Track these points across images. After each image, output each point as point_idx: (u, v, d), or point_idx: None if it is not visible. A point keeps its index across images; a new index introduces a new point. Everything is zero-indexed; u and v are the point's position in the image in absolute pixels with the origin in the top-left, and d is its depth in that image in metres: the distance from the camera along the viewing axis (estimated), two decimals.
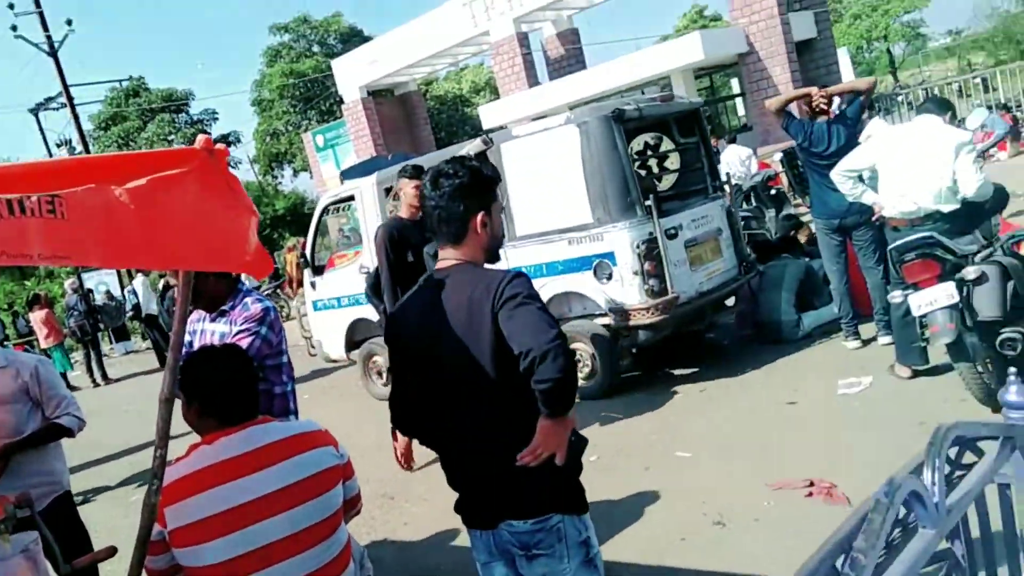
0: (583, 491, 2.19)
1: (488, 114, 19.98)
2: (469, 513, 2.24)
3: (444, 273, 2.13)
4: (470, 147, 6.36)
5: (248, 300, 3.36)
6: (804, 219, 8.29)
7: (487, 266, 2.17)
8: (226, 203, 1.84)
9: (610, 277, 5.70)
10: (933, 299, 4.08)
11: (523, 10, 18.97)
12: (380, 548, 4.25)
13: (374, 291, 5.58)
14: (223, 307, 3.32)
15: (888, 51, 42.68)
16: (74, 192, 1.62)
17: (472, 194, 2.10)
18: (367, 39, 31.13)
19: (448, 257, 2.15)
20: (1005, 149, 13.97)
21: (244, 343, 3.22)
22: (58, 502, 3.39)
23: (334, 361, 8.02)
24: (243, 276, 3.97)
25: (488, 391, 2.06)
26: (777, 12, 15.51)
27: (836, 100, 5.81)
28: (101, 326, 16.24)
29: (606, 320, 5.79)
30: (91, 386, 13.65)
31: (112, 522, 5.35)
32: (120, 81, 32.34)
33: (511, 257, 6.17)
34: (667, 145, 6.94)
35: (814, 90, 5.61)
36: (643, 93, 17.44)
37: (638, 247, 5.55)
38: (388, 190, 6.98)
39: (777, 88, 15.64)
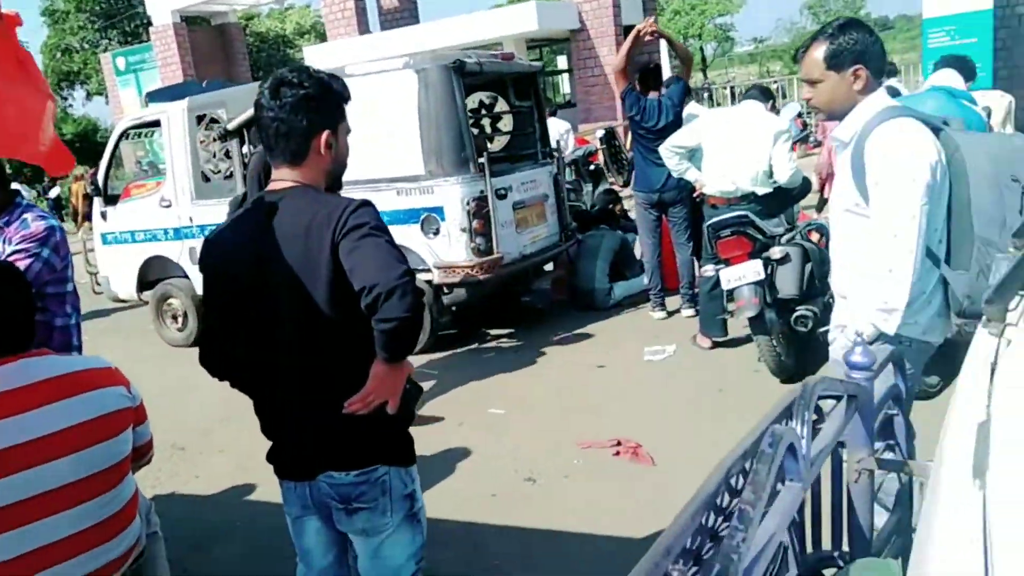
0: (412, 441, 2.06)
1: (314, 56, 18.97)
2: (284, 463, 2.04)
3: (277, 195, 1.89)
4: None
5: (28, 216, 2.89)
6: (622, 195, 8.60)
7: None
8: (15, 81, 1.51)
9: (437, 232, 5.56)
10: (742, 275, 4.33)
11: None
12: (168, 502, 3.89)
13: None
14: None
15: (701, 49, 45.49)
16: None
17: (318, 109, 1.87)
18: None
19: (284, 178, 1.91)
20: (796, 150, 15.33)
21: (21, 265, 2.78)
22: None
23: (122, 301, 7.31)
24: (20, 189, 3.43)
25: (319, 329, 1.86)
26: None
27: (666, 75, 5.96)
28: None
29: (429, 276, 5.66)
30: None
31: None
32: None
33: None
34: (502, 106, 6.89)
35: (644, 26, 5.50)
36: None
37: (468, 204, 5.45)
38: (200, 118, 6.40)
39: (603, 68, 16.11)
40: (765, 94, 4.91)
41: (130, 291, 6.98)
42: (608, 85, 15.81)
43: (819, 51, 2.31)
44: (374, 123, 5.71)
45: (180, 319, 6.73)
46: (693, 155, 5.03)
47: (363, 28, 19.07)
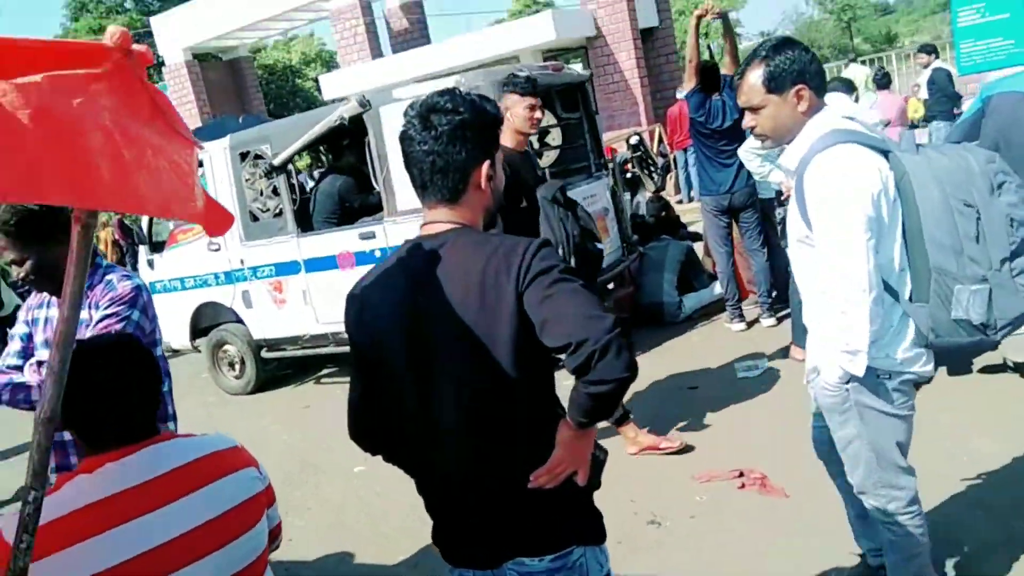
0: (601, 515, 1.79)
1: (329, 84, 18.88)
2: (460, 550, 1.75)
3: (436, 240, 1.62)
4: (343, 109, 5.72)
5: (113, 277, 2.66)
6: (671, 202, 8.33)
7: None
8: (156, 126, 1.25)
9: None
10: None
11: None
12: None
13: None
14: None
15: (708, 47, 45.29)
16: None
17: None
18: None
19: (439, 219, 1.64)
20: None
21: (114, 331, 2.54)
22: None
23: (175, 352, 7.06)
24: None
25: (497, 395, 1.59)
26: None
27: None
28: None
29: None
30: None
31: None
32: None
33: (390, 234, 5.63)
34: (548, 119, 6.63)
35: (704, 8, 5.36)
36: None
37: None
38: (244, 155, 6.19)
39: (623, 73, 15.86)
40: (848, 86, 4.62)
41: (183, 341, 6.76)
42: (629, 91, 15.59)
43: (756, 75, 2.18)
44: None
45: (237, 366, 6.50)
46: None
47: (376, 52, 18.98)
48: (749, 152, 4.67)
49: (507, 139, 4.02)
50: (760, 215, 5.68)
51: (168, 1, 29.01)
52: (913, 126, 10.30)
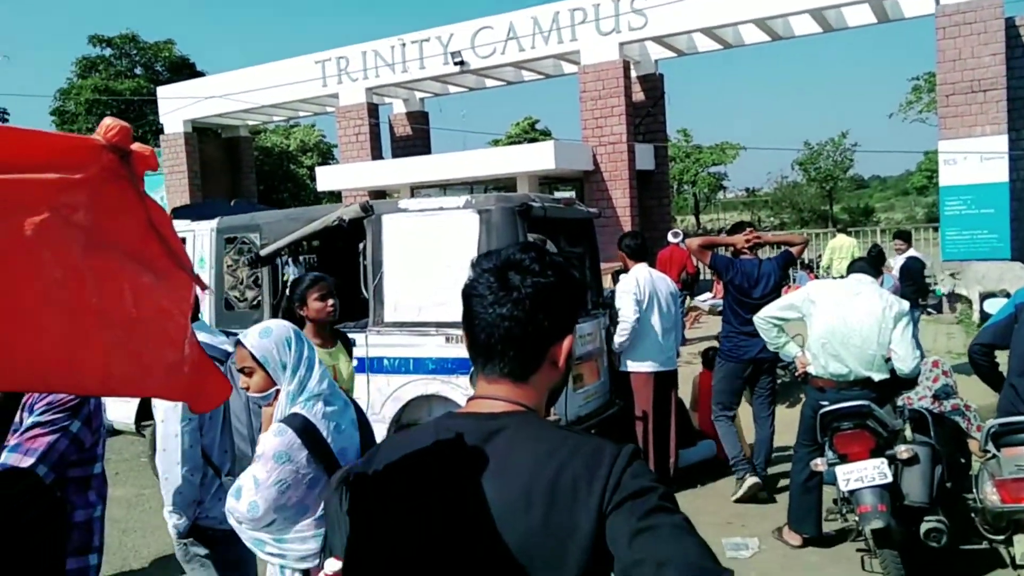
0: None
1: (325, 176, 18.90)
2: None
3: (493, 423, 1.27)
4: (344, 211, 5.50)
5: None
6: None
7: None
8: (147, 255, 0.94)
9: None
10: (863, 475, 3.73)
11: (378, 81, 18.39)
12: None
13: None
14: None
15: (694, 195, 46.69)
16: None
17: (563, 307, 1.32)
18: (198, 73, 29.10)
19: (498, 396, 1.30)
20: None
21: (40, 444, 2.14)
22: None
23: (116, 432, 6.49)
24: None
25: None
26: (625, 139, 16.05)
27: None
28: None
29: None
30: None
31: None
32: None
33: (371, 344, 5.28)
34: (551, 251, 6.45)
35: (740, 241, 5.34)
36: (486, 190, 17.30)
37: None
38: (230, 240, 5.88)
39: (615, 210, 16.04)
40: (875, 267, 4.47)
41: (128, 420, 6.21)
42: (619, 226, 15.71)
43: None
44: (425, 263, 5.22)
45: None
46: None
47: (376, 153, 19.14)
48: (766, 320, 4.43)
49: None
50: (773, 381, 5.44)
51: (177, 73, 29.36)
52: None
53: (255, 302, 5.77)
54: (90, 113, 28.99)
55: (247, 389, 2.38)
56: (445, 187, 17.57)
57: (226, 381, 1.12)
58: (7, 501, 1.27)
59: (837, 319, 4.11)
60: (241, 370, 2.38)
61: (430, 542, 1.23)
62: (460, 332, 4.74)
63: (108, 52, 31.07)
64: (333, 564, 1.88)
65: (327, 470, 2.27)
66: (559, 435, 1.26)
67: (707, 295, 13.16)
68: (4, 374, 0.75)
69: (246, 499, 2.24)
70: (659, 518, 1.13)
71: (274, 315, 5.72)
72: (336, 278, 6.08)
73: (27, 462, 2.09)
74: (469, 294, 1.32)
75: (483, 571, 1.20)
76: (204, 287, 1.05)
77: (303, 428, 2.28)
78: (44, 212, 0.79)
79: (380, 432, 4.34)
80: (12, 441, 2.15)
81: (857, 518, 3.79)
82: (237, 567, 2.99)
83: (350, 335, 5.47)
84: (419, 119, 20.90)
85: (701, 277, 14.67)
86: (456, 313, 5.05)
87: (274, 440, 2.26)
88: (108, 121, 1.00)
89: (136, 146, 1.05)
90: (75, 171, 0.90)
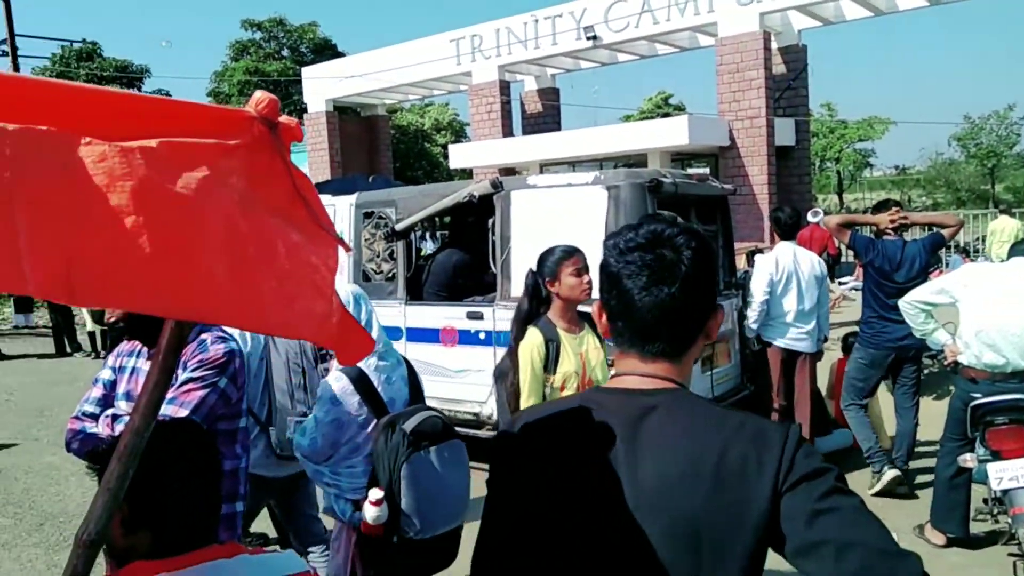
0: None
1: (457, 153, 19.30)
2: None
3: (648, 400, 1.25)
4: (475, 187, 5.59)
5: (207, 337, 2.46)
6: None
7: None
8: (295, 218, 1.00)
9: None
10: (1018, 474, 3.46)
11: (510, 59, 18.52)
12: None
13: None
14: None
15: (838, 172, 44.29)
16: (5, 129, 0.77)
17: (713, 281, 1.31)
18: (339, 54, 30.27)
19: (655, 374, 1.27)
20: None
21: (194, 397, 2.32)
22: None
23: None
24: None
25: None
26: (764, 113, 15.41)
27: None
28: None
29: None
30: None
31: None
32: (72, 41, 30.10)
33: (499, 318, 5.37)
34: None
35: (884, 220, 5.03)
36: (616, 167, 17.11)
37: None
38: (368, 214, 6.12)
39: (752, 187, 15.46)
40: None
41: None
42: (756, 205, 15.17)
43: None
44: (554, 238, 5.22)
45: None
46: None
47: (507, 130, 19.30)
48: (912, 305, 4.16)
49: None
50: (918, 371, 5.13)
51: (320, 54, 30.63)
52: None
53: (391, 274, 5.99)
54: (241, 95, 30.80)
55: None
56: (575, 164, 17.50)
57: (369, 337, 1.18)
58: (174, 450, 1.39)
59: (994, 305, 3.80)
60: None
61: (584, 505, 1.23)
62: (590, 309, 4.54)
63: (258, 35, 32.85)
64: (376, 493, 2.39)
65: (376, 414, 2.66)
66: (718, 412, 1.25)
67: (848, 278, 12.55)
68: (182, 305, 0.84)
69: (308, 436, 2.67)
70: (838, 499, 1.11)
71: (407, 288, 5.93)
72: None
73: (182, 413, 2.29)
74: (619, 274, 1.27)
75: (648, 535, 1.17)
76: (348, 248, 1.12)
77: (357, 377, 2.69)
78: (205, 171, 0.86)
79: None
80: (169, 395, 2.34)
81: (1010, 520, 3.52)
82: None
83: (478, 309, 5.64)
84: (550, 96, 20.87)
85: (843, 259, 13.97)
86: None
87: (332, 385, 2.70)
88: (259, 94, 1.06)
89: (283, 118, 1.11)
90: (230, 139, 0.96)
